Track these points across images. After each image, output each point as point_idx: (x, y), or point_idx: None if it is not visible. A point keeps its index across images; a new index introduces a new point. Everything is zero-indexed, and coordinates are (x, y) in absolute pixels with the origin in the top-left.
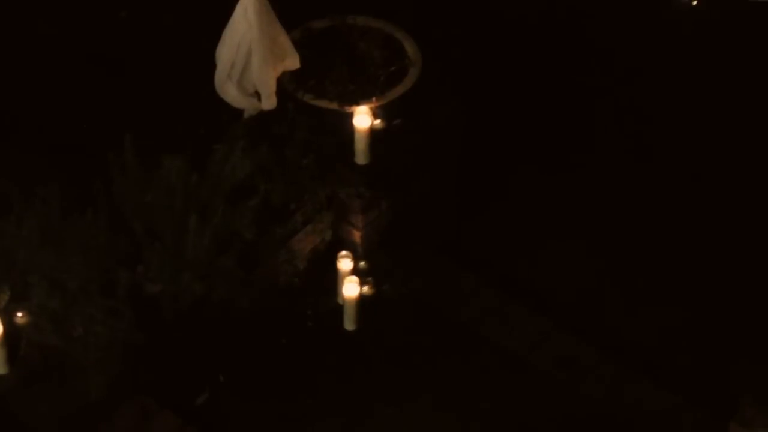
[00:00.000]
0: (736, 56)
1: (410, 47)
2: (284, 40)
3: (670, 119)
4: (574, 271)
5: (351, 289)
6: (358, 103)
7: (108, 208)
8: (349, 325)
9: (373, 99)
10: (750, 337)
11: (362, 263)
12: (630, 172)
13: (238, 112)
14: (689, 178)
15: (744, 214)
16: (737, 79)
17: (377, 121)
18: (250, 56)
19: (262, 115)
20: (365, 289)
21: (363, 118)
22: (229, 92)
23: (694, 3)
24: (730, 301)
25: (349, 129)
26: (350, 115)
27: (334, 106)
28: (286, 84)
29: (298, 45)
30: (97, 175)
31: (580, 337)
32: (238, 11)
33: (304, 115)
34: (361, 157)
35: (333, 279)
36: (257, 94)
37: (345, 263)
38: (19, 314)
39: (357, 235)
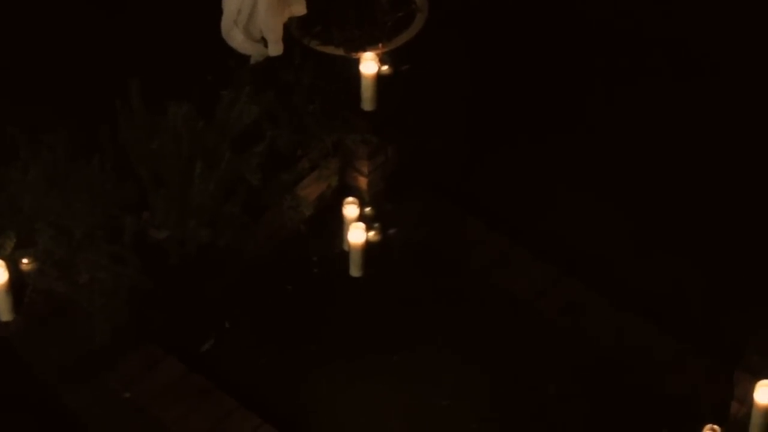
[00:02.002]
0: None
1: None
2: None
3: (683, 71)
4: (583, 219)
5: (357, 235)
6: (364, 49)
7: (114, 154)
8: (355, 271)
9: (380, 45)
10: (758, 286)
11: (368, 209)
12: (642, 121)
13: (245, 59)
14: (701, 129)
15: (754, 167)
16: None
17: (384, 67)
18: (256, 2)
19: (269, 61)
20: (371, 235)
21: (370, 65)
22: (236, 38)
23: None
24: (739, 250)
25: (356, 75)
26: (357, 62)
27: (340, 52)
28: (292, 30)
29: None
30: (103, 121)
31: (588, 284)
32: None
33: (310, 62)
34: (367, 103)
35: (339, 225)
36: (264, 40)
37: (351, 209)
38: (25, 261)
39: (363, 182)
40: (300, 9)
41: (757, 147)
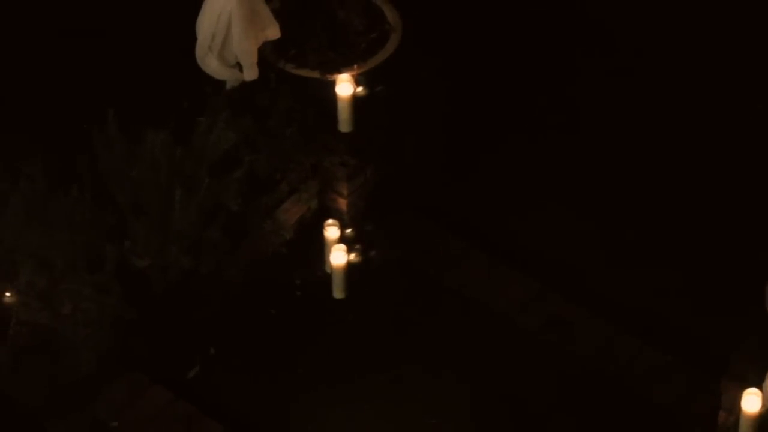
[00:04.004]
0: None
1: (390, 13)
2: (264, 10)
3: (660, 81)
4: (564, 232)
5: (338, 257)
6: (339, 71)
7: (93, 183)
8: (337, 293)
9: (355, 66)
10: (741, 294)
11: (349, 231)
12: (620, 132)
13: (220, 84)
14: (681, 139)
15: (733, 174)
16: (728, 41)
17: (359, 89)
18: (230, 27)
19: (244, 85)
20: (353, 256)
21: (345, 86)
22: (211, 64)
23: None
24: (721, 259)
25: (332, 97)
26: (332, 84)
27: (315, 74)
28: (267, 54)
29: (277, 14)
30: (80, 150)
31: (570, 298)
32: None
33: (286, 85)
34: (344, 124)
35: (320, 248)
36: (239, 65)
37: (332, 231)
38: (7, 294)
39: (343, 203)
40: (274, 33)
41: (736, 155)
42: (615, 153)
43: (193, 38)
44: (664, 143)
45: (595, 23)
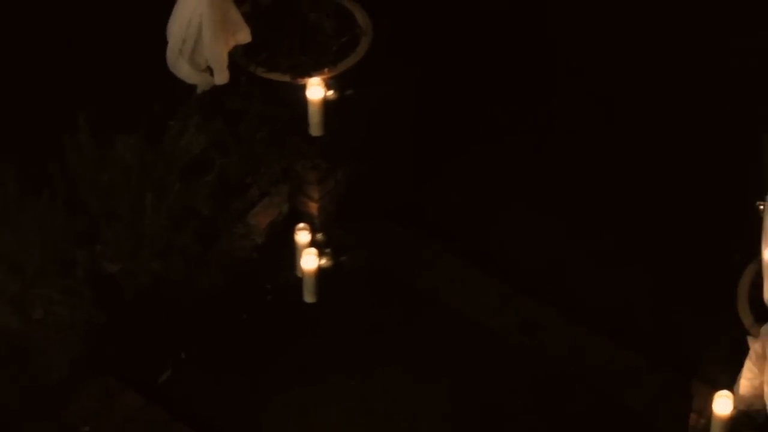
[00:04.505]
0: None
1: (361, 16)
2: (234, 14)
3: (634, 82)
4: (535, 235)
5: (309, 261)
6: (310, 75)
7: (64, 188)
8: (309, 297)
9: (326, 70)
10: (711, 296)
11: (320, 235)
12: (591, 135)
13: (191, 88)
14: (651, 140)
15: (704, 175)
16: (697, 46)
17: (330, 92)
18: (201, 31)
19: (215, 90)
20: (324, 261)
21: (316, 90)
22: (182, 68)
23: None
24: (692, 262)
25: (303, 101)
26: (303, 87)
27: (286, 78)
28: (238, 58)
29: (248, 18)
30: (51, 155)
31: (542, 301)
32: None
33: (257, 89)
34: (315, 128)
35: (291, 252)
36: (209, 70)
37: (302, 236)
38: None
39: (314, 207)
40: (245, 37)
41: (707, 155)
42: (586, 155)
43: (163, 42)
44: (633, 144)
45: (562, 27)
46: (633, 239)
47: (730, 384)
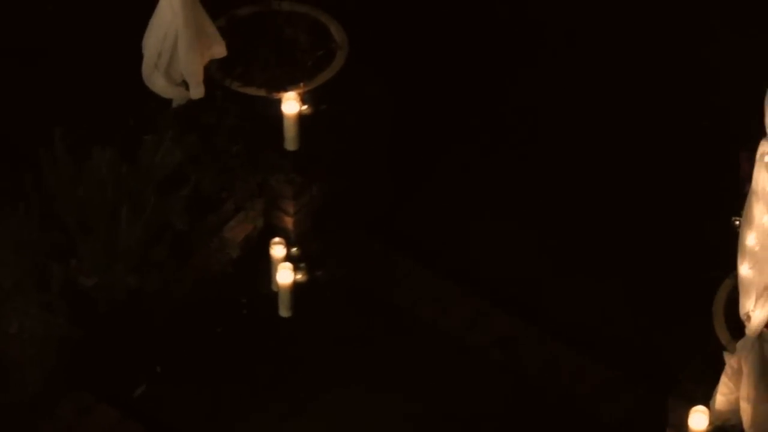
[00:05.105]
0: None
1: (336, 31)
2: (210, 28)
3: (611, 96)
4: (510, 249)
5: (285, 275)
6: (286, 89)
7: (40, 202)
8: (284, 311)
9: (301, 84)
10: (687, 311)
11: (295, 249)
12: (569, 151)
13: (167, 102)
14: (625, 153)
15: (680, 189)
16: (673, 58)
17: (305, 107)
18: (176, 45)
19: (191, 104)
20: (299, 275)
21: (291, 104)
22: (157, 82)
23: None
24: (665, 275)
25: (278, 115)
26: (279, 102)
27: (262, 92)
28: (213, 72)
29: (224, 33)
30: (27, 169)
31: (517, 315)
32: (164, 1)
33: (232, 103)
34: (290, 143)
35: (266, 266)
36: (185, 83)
37: (278, 250)
38: None
39: (289, 222)
40: (220, 51)
41: (682, 169)
42: (563, 171)
43: (139, 56)
44: (609, 160)
45: (540, 42)
46: (609, 254)
47: (706, 399)
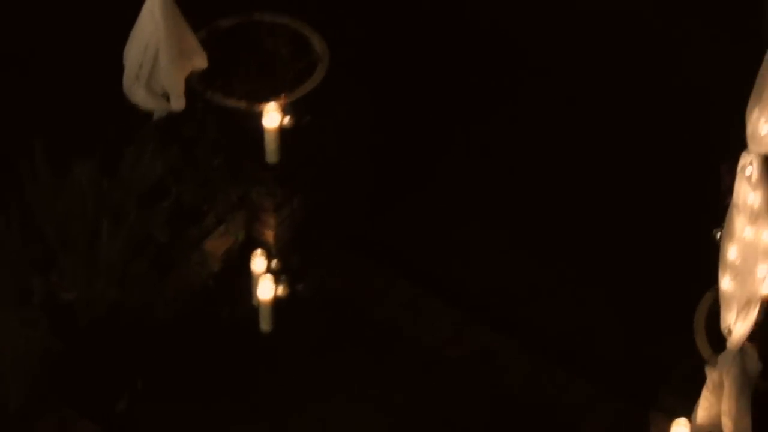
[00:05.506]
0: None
1: (317, 43)
2: (191, 40)
3: (592, 111)
4: (491, 263)
5: (265, 289)
6: (267, 101)
7: (20, 215)
8: (265, 326)
9: (282, 96)
10: (668, 325)
11: (276, 262)
12: (551, 164)
13: (148, 114)
14: (604, 167)
15: (663, 206)
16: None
17: (286, 119)
18: (157, 57)
19: (172, 116)
20: (280, 289)
21: (272, 117)
22: (138, 94)
23: None
24: (647, 289)
25: (259, 127)
26: (260, 114)
27: (242, 104)
28: (194, 84)
29: (205, 44)
30: (7, 182)
31: (497, 329)
32: (145, 12)
33: (213, 115)
34: (271, 155)
35: (247, 280)
36: (166, 95)
37: (259, 263)
38: None
39: (270, 235)
40: (201, 62)
41: (664, 188)
42: (544, 181)
43: (120, 67)
44: (591, 171)
45: (522, 58)
46: (590, 268)
47: (688, 413)
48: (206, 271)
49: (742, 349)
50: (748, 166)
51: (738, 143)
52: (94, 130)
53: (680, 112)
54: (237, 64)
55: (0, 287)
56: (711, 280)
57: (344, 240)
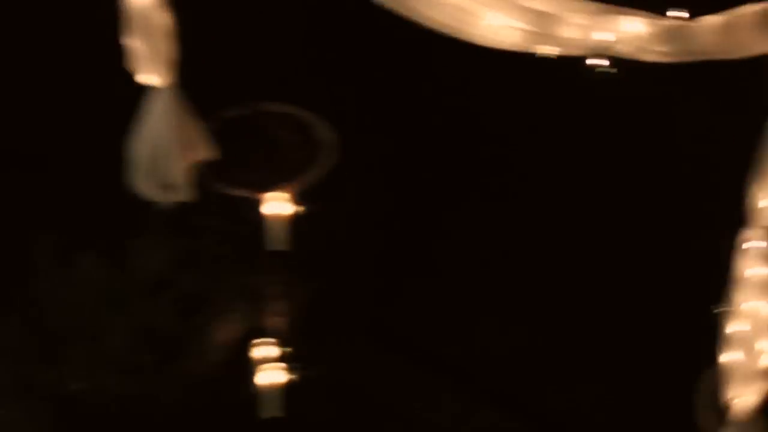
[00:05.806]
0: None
1: (325, 131)
2: (197, 130)
3: (587, 182)
4: (503, 348)
5: (271, 377)
6: (274, 190)
7: (23, 306)
8: (268, 413)
9: (290, 184)
10: (669, 407)
11: (282, 350)
12: (553, 242)
13: (153, 204)
14: (598, 245)
15: (660, 283)
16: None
17: (294, 207)
18: (163, 149)
19: (178, 206)
20: (286, 376)
21: (280, 205)
22: (143, 184)
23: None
24: (648, 370)
25: (266, 215)
26: (267, 202)
27: (249, 193)
28: (200, 174)
29: (211, 134)
30: (10, 275)
31: (506, 413)
32: (150, 103)
33: (219, 204)
34: (279, 243)
35: (252, 368)
36: (172, 186)
37: (263, 351)
38: None
39: (276, 323)
40: (207, 152)
41: (662, 264)
42: (551, 264)
43: (124, 158)
44: (587, 255)
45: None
46: (597, 351)
47: None
48: (211, 359)
49: (745, 424)
50: (748, 242)
51: (738, 217)
52: (99, 220)
53: (674, 187)
54: (243, 154)
55: (3, 379)
56: (713, 355)
57: (351, 325)
